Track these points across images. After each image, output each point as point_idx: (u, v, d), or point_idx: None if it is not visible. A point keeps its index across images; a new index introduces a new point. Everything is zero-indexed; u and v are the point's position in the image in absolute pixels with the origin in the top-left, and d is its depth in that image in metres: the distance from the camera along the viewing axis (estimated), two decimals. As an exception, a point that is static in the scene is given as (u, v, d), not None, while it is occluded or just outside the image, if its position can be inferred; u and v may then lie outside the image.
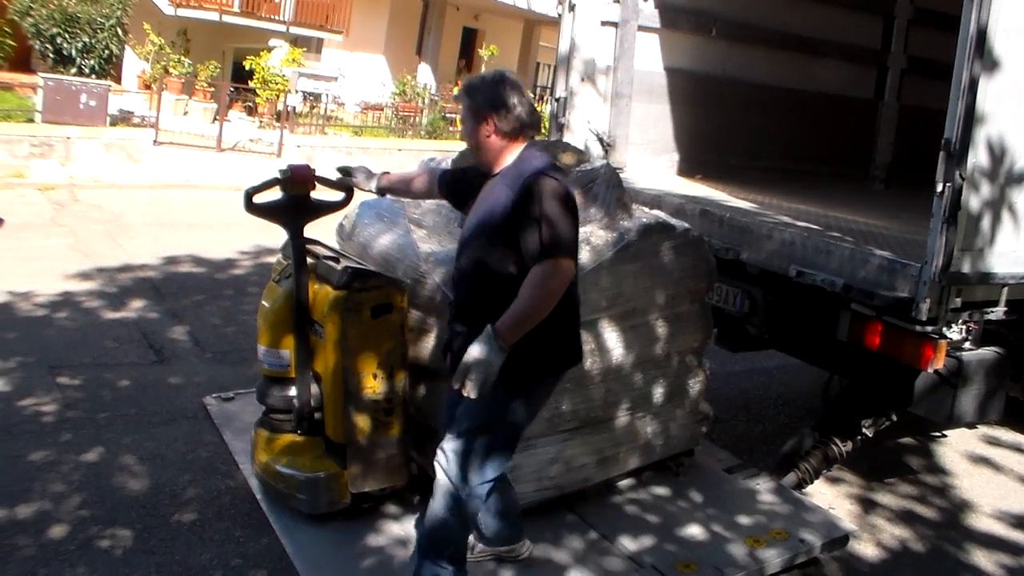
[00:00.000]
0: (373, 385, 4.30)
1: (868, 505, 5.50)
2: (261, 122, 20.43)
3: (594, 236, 4.49)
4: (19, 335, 6.92)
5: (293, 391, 4.48)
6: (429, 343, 4.44)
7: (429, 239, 4.76)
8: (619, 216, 4.68)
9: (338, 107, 22.93)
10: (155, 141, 17.24)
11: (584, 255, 4.34)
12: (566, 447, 4.49)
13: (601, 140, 6.77)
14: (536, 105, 4.04)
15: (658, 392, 4.83)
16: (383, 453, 4.39)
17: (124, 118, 18.45)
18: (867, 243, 4.97)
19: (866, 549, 4.97)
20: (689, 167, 7.37)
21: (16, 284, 8.18)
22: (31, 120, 16.98)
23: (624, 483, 4.97)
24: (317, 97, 22.01)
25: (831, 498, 5.45)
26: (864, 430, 5.19)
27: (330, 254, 4.62)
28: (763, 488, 5.01)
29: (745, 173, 7.49)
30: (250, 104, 21.25)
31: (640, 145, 7.05)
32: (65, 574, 4.06)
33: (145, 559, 4.22)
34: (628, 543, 4.42)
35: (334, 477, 4.38)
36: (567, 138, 6.60)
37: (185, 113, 19.67)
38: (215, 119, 19.21)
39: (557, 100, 6.70)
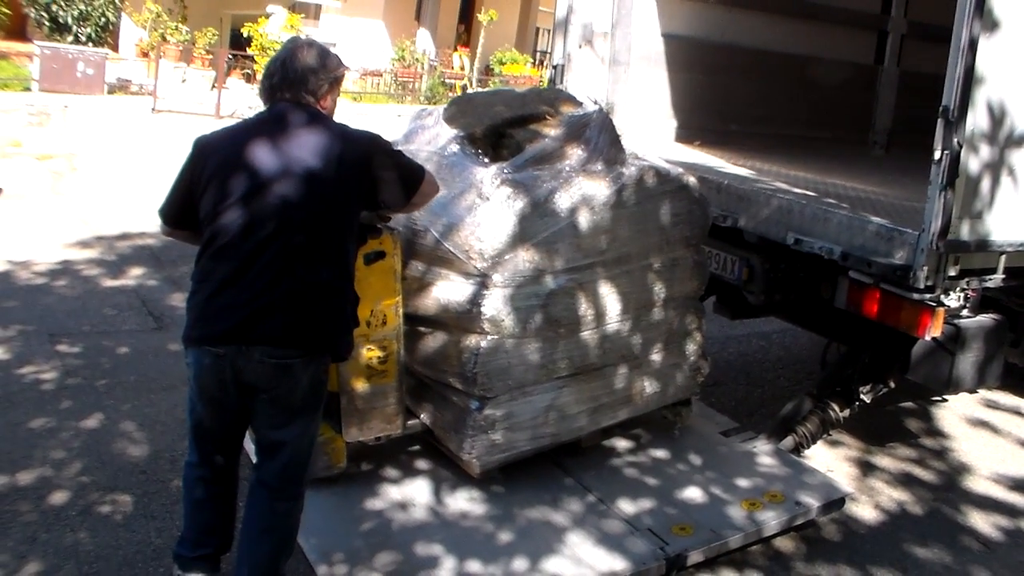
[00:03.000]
0: (367, 333, 4.25)
1: (867, 468, 5.53)
2: (258, 88, 20.36)
3: (588, 181, 4.45)
4: (19, 303, 6.94)
5: None
6: (423, 293, 4.43)
7: None
8: (613, 161, 4.63)
9: (337, 73, 22.83)
10: (153, 109, 17.20)
11: (578, 200, 4.37)
12: (560, 395, 4.49)
13: (599, 107, 6.74)
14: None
15: (653, 340, 4.81)
16: (378, 402, 4.38)
17: (122, 86, 18.42)
18: (865, 210, 4.96)
19: (864, 512, 5.00)
20: (687, 133, 7.35)
21: (15, 253, 8.18)
22: (28, 89, 16.95)
23: (622, 446, 5.01)
24: (316, 64, 21.90)
25: (829, 461, 5.48)
26: (862, 396, 5.21)
27: None
28: (760, 451, 5.03)
29: (744, 139, 7.48)
30: (248, 71, 21.17)
31: (638, 111, 7.03)
32: (66, 539, 4.10)
33: (145, 524, 4.26)
34: (626, 506, 4.45)
35: (329, 441, 4.35)
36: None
37: (183, 81, 19.59)
38: (213, 86, 19.14)
39: (555, 67, 6.68)
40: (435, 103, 21.54)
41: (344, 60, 3.79)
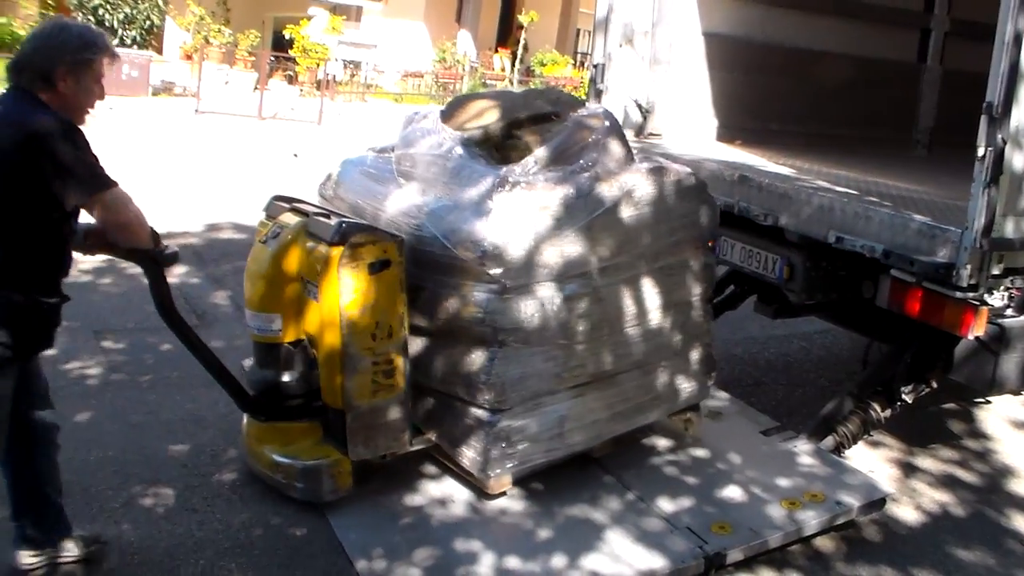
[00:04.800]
0: (372, 346, 4.18)
1: (908, 469, 5.48)
2: (302, 90, 20.53)
3: (595, 182, 4.37)
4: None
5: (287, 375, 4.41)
6: (428, 301, 4.36)
7: (422, 191, 4.59)
8: (622, 162, 4.56)
9: (378, 74, 22.98)
10: (196, 110, 17.38)
11: (583, 203, 4.29)
12: (575, 404, 4.43)
13: (640, 106, 6.75)
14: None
15: (665, 344, 4.75)
16: (384, 418, 4.29)
17: (166, 88, 18.64)
18: (907, 208, 4.93)
19: (905, 513, 4.96)
20: (728, 132, 7.33)
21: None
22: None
23: (662, 444, 5.02)
24: (357, 65, 22.07)
25: (870, 462, 5.43)
26: (904, 396, 5.16)
27: (320, 211, 4.48)
28: (801, 451, 5.01)
29: (784, 138, 7.43)
30: (290, 73, 21.36)
31: (679, 110, 7.01)
32: (110, 530, 4.15)
33: (187, 517, 4.30)
34: (665, 504, 4.45)
35: (336, 464, 4.32)
36: (605, 104, 6.58)
37: (226, 83, 19.79)
38: (256, 88, 19.31)
39: (595, 66, 6.67)
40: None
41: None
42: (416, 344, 4.40)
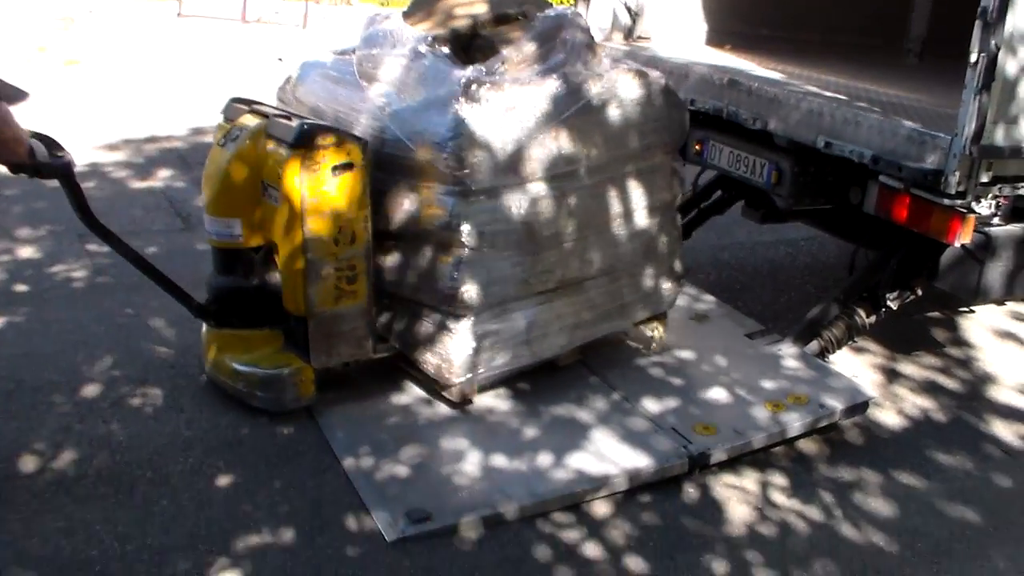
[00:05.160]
0: (335, 251, 4.10)
1: (891, 375, 5.53)
2: (285, -5, 20.16)
3: (561, 85, 4.27)
4: (48, 204, 6.97)
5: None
6: (392, 206, 4.25)
7: (386, 93, 4.42)
8: (587, 64, 4.46)
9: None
10: (179, 14, 17.09)
11: (551, 105, 4.20)
12: (541, 311, 4.41)
13: (628, 8, 6.66)
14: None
15: (633, 251, 4.71)
16: (347, 325, 4.23)
17: (147, -10, 18.24)
18: (897, 115, 4.89)
19: (887, 417, 5.02)
20: (718, 37, 7.25)
21: (44, 154, 8.20)
22: (55, -8, 16.84)
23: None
24: (342, -31, 21.67)
25: (854, 367, 5.47)
26: (888, 303, 5.19)
27: (281, 113, 4.34)
28: (786, 354, 5.04)
29: (775, 44, 7.36)
30: (275, -24, 20.94)
31: (668, 14, 6.93)
32: (99, 429, 4.18)
33: (175, 416, 4.33)
34: (650, 405, 4.50)
35: (298, 372, 4.26)
36: (594, 6, 6.51)
37: (209, -15, 19.43)
38: (240, -10, 18.97)
39: (585, -33, 6.58)
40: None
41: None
42: (380, 250, 4.33)
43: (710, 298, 5.68)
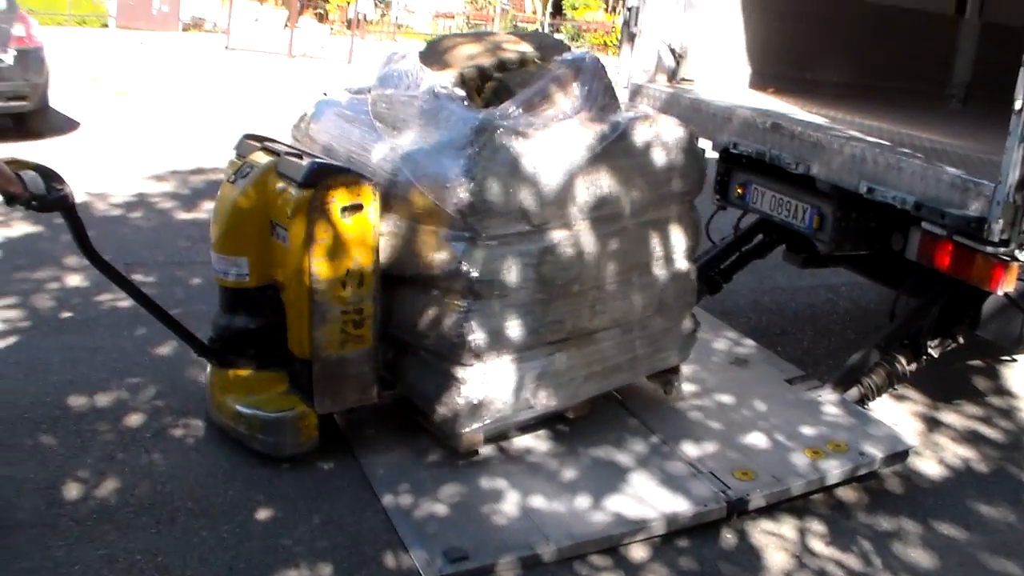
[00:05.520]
0: (342, 294, 4.01)
1: (932, 424, 5.49)
2: (332, 29, 20.46)
3: (578, 131, 4.19)
4: (96, 233, 6.99)
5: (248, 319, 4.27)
6: (401, 249, 4.16)
7: (398, 134, 4.34)
8: (607, 109, 4.38)
9: (409, 14, 22.87)
10: (226, 47, 17.35)
11: (572, 150, 4.13)
12: (552, 362, 4.28)
13: (673, 51, 6.70)
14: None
15: (647, 302, 4.58)
16: (352, 369, 4.14)
17: (196, 24, 18.61)
18: (940, 161, 4.88)
19: (928, 467, 4.98)
20: (761, 80, 7.27)
21: (93, 185, 8.36)
22: (105, 26, 17.17)
23: (687, 389, 5.03)
24: (388, 4, 21.95)
25: (895, 415, 5.44)
26: (930, 350, 5.16)
27: (293, 151, 4.26)
28: (826, 400, 5.01)
29: (818, 88, 7.38)
30: (321, 11, 21.26)
31: (713, 56, 6.96)
32: (141, 459, 4.23)
33: (216, 448, 4.36)
34: (689, 448, 4.49)
35: (301, 416, 4.19)
36: (638, 48, 6.55)
37: (256, 20, 19.74)
38: (286, 25, 19.25)
39: (629, 8, 6.62)
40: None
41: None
42: (388, 294, 4.23)
43: (750, 342, 5.67)
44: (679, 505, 4.06)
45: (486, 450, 4.39)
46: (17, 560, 3.54)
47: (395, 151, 4.23)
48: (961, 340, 5.18)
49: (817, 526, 4.29)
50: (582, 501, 4.05)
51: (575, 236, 4.21)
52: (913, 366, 5.18)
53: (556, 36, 26.53)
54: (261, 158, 4.24)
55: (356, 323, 4.10)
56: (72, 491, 3.98)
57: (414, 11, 23.42)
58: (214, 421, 4.49)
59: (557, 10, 26.21)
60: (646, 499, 4.08)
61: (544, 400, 4.31)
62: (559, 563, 3.78)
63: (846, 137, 5.26)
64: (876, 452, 4.55)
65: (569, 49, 4.72)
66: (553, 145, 4.10)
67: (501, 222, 3.98)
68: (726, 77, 7.06)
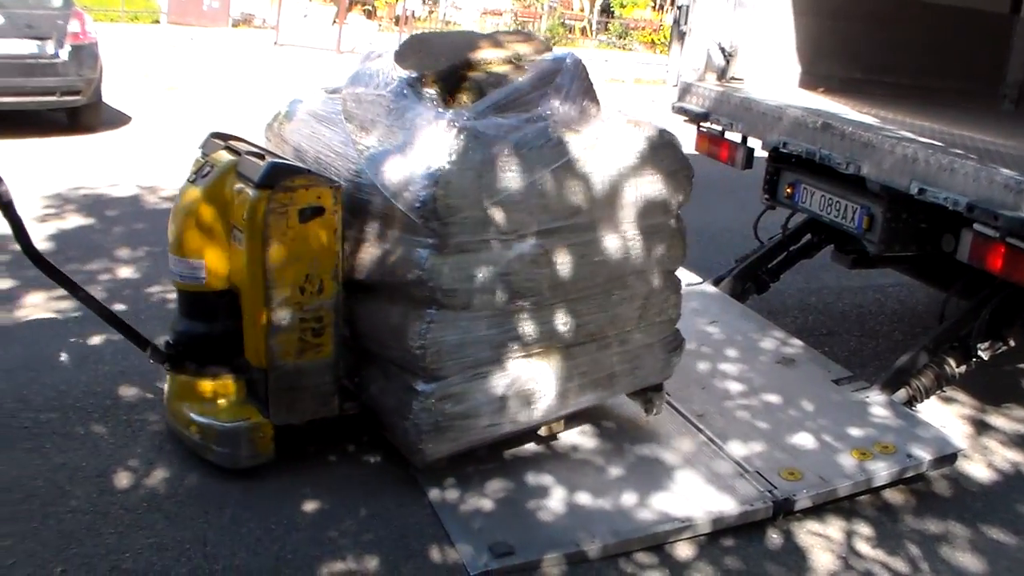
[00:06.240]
0: (300, 300, 3.87)
1: (981, 427, 5.43)
2: (380, 25, 20.54)
3: (556, 135, 3.95)
4: (147, 226, 7.19)
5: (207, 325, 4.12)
6: (365, 255, 4.02)
7: (366, 133, 4.16)
8: (587, 113, 4.14)
9: (456, 11, 22.92)
10: (275, 43, 17.46)
11: (547, 154, 3.89)
12: (520, 377, 4.05)
13: (723, 49, 6.67)
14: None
15: (626, 317, 4.33)
16: (311, 380, 4.00)
17: (245, 20, 18.75)
18: (993, 162, 4.83)
19: (977, 470, 4.93)
20: (811, 79, 7.22)
21: (144, 178, 8.48)
22: (156, 22, 17.34)
23: (735, 388, 5.03)
24: (436, 1, 22.01)
25: (943, 417, 5.39)
26: (980, 353, 5.11)
27: (256, 151, 4.11)
28: (873, 402, 4.97)
29: (869, 88, 7.32)
30: (369, 7, 21.37)
31: (762, 56, 6.93)
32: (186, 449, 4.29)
33: (265, 440, 4.41)
34: (736, 448, 4.48)
35: (256, 427, 4.04)
36: (688, 46, 6.54)
37: (305, 16, 19.86)
38: (334, 22, 19.35)
39: (679, 7, 6.61)
40: (554, 44, 21.47)
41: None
42: (352, 302, 4.12)
43: (798, 342, 5.64)
44: (725, 504, 4.06)
45: (532, 446, 4.40)
46: (71, 546, 3.62)
47: (361, 152, 4.09)
48: (1012, 343, 5.13)
49: (864, 528, 4.27)
50: (628, 498, 4.06)
51: (547, 245, 3.98)
52: (962, 368, 5.14)
53: (603, 35, 26.54)
54: (222, 157, 4.09)
55: (315, 331, 3.96)
56: (123, 480, 4.05)
57: (461, 7, 23.47)
58: (169, 428, 4.38)
59: (605, 8, 26.13)
60: (692, 497, 4.09)
61: (512, 417, 4.09)
62: (604, 560, 3.79)
63: (897, 137, 5.22)
64: (924, 454, 4.51)
65: (551, 49, 4.52)
66: (525, 149, 3.86)
67: (467, 229, 3.78)
68: (776, 76, 7.02)
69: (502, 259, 3.87)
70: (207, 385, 4.15)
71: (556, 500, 4.03)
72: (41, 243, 6.78)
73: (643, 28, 26.02)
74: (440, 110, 3.97)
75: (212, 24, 17.75)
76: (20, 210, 3.88)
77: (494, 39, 4.55)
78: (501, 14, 23.43)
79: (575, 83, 4.16)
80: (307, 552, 3.70)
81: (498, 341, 3.96)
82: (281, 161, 3.97)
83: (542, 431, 4.38)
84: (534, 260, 3.94)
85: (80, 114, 10.98)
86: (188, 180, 4.13)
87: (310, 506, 3.98)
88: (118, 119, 11.79)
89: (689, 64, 6.60)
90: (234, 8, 18.99)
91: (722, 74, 6.71)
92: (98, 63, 10.90)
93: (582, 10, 26.28)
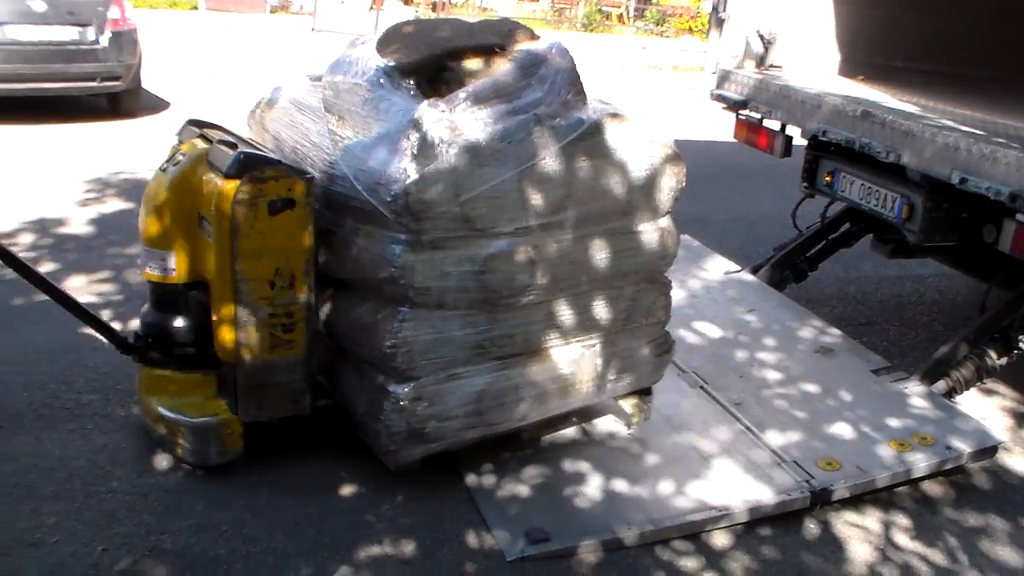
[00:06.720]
0: (270, 295, 3.75)
1: (1022, 419, 5.38)
2: (417, 11, 20.55)
3: (537, 128, 3.76)
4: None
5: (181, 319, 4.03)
6: (338, 249, 3.92)
7: (343, 123, 3.99)
8: (572, 106, 3.91)
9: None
10: (313, 28, 17.51)
11: (528, 148, 3.72)
12: (497, 379, 3.92)
13: (761, 37, 6.63)
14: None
15: (611, 319, 4.17)
16: (281, 376, 3.89)
17: (283, 6, 18.81)
18: (1038, 151, 4.79)
19: (1017, 463, 4.88)
20: (850, 67, 7.17)
21: (182, 162, 8.50)
22: (195, 8, 17.42)
23: (773, 377, 5.01)
24: (473, -13, 22.02)
25: (983, 409, 5.35)
26: (1021, 344, 5.07)
27: (229, 140, 3.99)
28: (912, 392, 4.93)
29: (909, 76, 7.26)
30: (406, -6, 21.36)
31: (802, 42, 6.88)
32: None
33: (298, 426, 4.40)
34: (773, 437, 4.47)
35: (225, 424, 3.95)
36: (726, 33, 6.51)
37: (342, 2, 19.90)
38: (371, 7, 19.37)
39: (719, -7, 6.58)
40: (591, 30, 21.43)
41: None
42: (326, 297, 4.05)
43: (836, 331, 5.60)
44: (762, 493, 4.04)
45: (570, 432, 4.41)
46: (112, 525, 3.67)
47: (336, 143, 3.95)
48: (1055, 336, 5.08)
49: (902, 519, 4.24)
50: (665, 486, 4.06)
51: (526, 243, 3.81)
52: (1003, 360, 5.10)
53: (640, 21, 26.44)
54: (195, 146, 4.00)
55: (286, 327, 3.84)
56: (162, 461, 4.09)
57: (498, -6, 23.50)
58: (140, 422, 4.31)
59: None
60: (729, 486, 4.08)
61: (489, 420, 3.97)
62: (640, 548, 3.78)
63: (938, 126, 5.17)
64: (964, 446, 4.47)
65: (539, 38, 4.28)
66: (503, 142, 3.69)
67: (441, 224, 3.63)
68: (815, 64, 6.98)
69: (478, 257, 3.72)
70: (176, 379, 4.07)
71: (593, 487, 4.04)
72: (82, 227, 6.87)
73: (680, 15, 25.94)
74: (414, 100, 3.80)
75: (250, 10, 17.83)
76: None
77: (480, 28, 4.33)
78: (538, 0, 23.41)
79: (560, 74, 3.95)
80: (344, 536, 3.73)
81: (473, 341, 3.83)
82: (251, 151, 3.82)
83: (524, 435, 4.24)
84: (511, 258, 3.78)
85: (120, 99, 11.10)
86: (160, 168, 4.03)
87: (347, 490, 4.01)
88: (157, 104, 11.87)
89: (728, 51, 6.56)
90: (272, -6, 19.12)
91: (761, 61, 6.67)
92: (137, 49, 10.99)
93: (620, -4, 26.24)
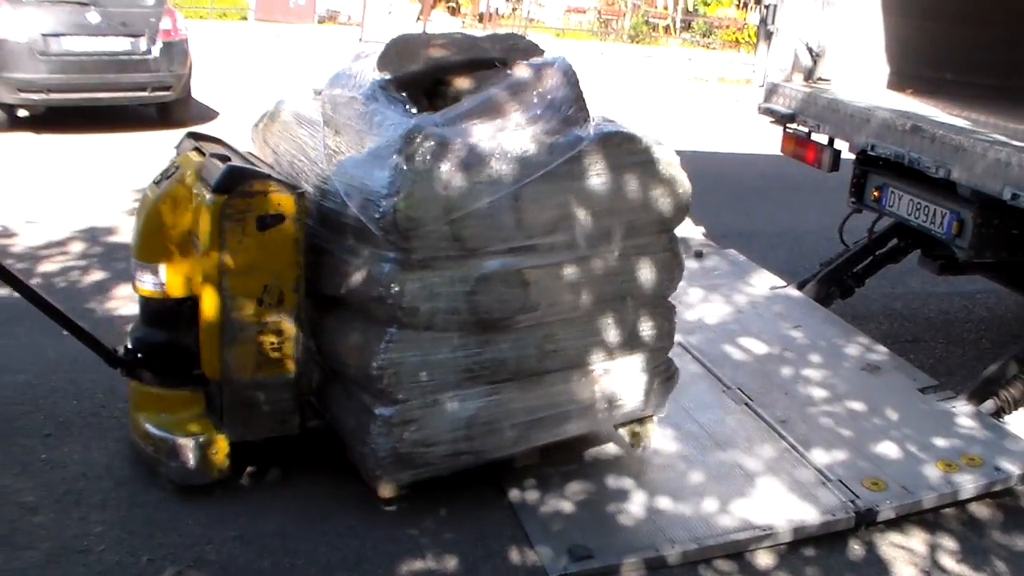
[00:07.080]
0: (258, 312, 3.71)
1: (1071, 440, 5.30)
2: (464, 22, 20.63)
3: (529, 143, 3.69)
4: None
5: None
6: (329, 267, 3.84)
7: (339, 137, 3.94)
8: (572, 122, 3.83)
9: (540, 8, 22.95)
10: (361, 39, 17.62)
11: (513, 165, 3.63)
12: (488, 405, 3.82)
13: (810, 49, 6.60)
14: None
15: (610, 343, 4.05)
16: (269, 396, 3.84)
17: (331, 17, 18.96)
18: (1091, 167, 4.72)
19: (1067, 485, 4.82)
20: (900, 80, 7.10)
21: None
22: (244, 19, 17.60)
23: (818, 394, 4.97)
24: (519, -1, 22.09)
25: (1032, 430, 5.28)
26: (1072, 365, 5.00)
27: (223, 153, 3.95)
28: (960, 412, 4.87)
29: (959, 89, 7.17)
30: (453, 4, 21.46)
31: (850, 56, 6.84)
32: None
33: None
34: (819, 455, 4.42)
35: (210, 443, 3.87)
36: (775, 46, 6.47)
37: (389, 12, 20.02)
38: (419, 18, 19.48)
39: (766, 7, 6.55)
40: (638, 41, 21.41)
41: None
42: (316, 316, 3.97)
43: (882, 349, 5.55)
44: (807, 513, 4.01)
45: (613, 448, 4.40)
46: (157, 535, 3.70)
47: (330, 158, 3.91)
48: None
49: (948, 542, 4.18)
50: (709, 504, 4.04)
51: (519, 264, 3.72)
52: (1054, 381, 5.02)
53: (686, 33, 26.36)
54: (189, 159, 3.96)
55: (274, 345, 3.79)
56: (207, 473, 4.12)
57: (544, 5, 23.49)
58: (129, 438, 4.25)
59: (688, 6, 25.97)
60: (773, 505, 4.05)
61: (479, 447, 3.87)
62: (684, 566, 3.77)
63: (990, 141, 5.11)
64: (1013, 468, 4.41)
65: (543, 53, 4.21)
66: (497, 158, 3.62)
67: (430, 243, 3.55)
68: (864, 77, 6.93)
69: (469, 277, 3.64)
70: (163, 396, 4.01)
71: (636, 504, 4.02)
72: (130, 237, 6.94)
73: (727, 27, 25.84)
74: (408, 115, 3.76)
75: (298, 21, 18.00)
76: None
77: (484, 42, 4.29)
78: (585, 11, 23.42)
79: (561, 89, 3.88)
80: (387, 549, 3.74)
81: (463, 365, 3.73)
82: (241, 165, 3.79)
83: (517, 461, 4.15)
84: (504, 280, 3.70)
85: (170, 109, 11.26)
86: (154, 181, 4.00)
87: (389, 504, 4.01)
88: (207, 114, 12.00)
89: (776, 64, 6.53)
90: (320, 5, 19.23)
91: (809, 74, 6.63)
92: (188, 59, 11.14)
93: (666, 8, 26.13)
